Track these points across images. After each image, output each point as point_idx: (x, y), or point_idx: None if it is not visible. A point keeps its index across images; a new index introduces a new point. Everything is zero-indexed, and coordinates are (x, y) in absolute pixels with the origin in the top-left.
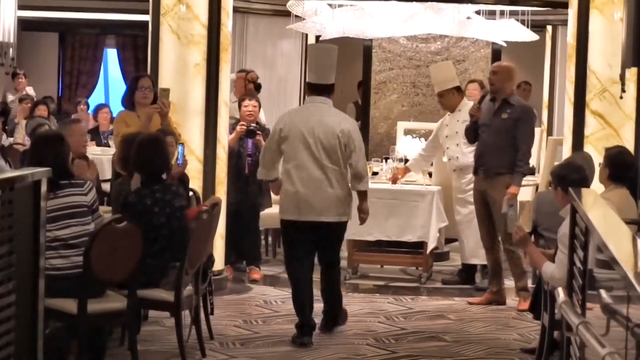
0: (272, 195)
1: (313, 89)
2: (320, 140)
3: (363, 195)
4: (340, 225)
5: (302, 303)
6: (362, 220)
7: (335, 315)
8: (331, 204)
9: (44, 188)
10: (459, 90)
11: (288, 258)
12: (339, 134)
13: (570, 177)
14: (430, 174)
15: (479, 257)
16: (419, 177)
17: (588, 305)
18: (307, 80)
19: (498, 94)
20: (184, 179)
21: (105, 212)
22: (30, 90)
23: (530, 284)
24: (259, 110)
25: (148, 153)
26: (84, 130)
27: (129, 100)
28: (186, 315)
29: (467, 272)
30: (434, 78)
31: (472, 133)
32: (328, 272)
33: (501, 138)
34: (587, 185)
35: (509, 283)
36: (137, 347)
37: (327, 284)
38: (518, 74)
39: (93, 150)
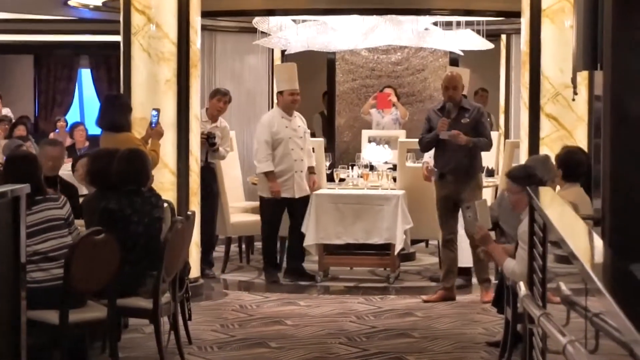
0: None
1: None
2: None
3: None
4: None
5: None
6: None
7: (299, 265)
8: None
9: (23, 204)
10: (464, 97)
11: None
12: None
13: (526, 180)
14: (394, 179)
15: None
16: (383, 181)
17: (548, 297)
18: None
19: (455, 102)
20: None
21: (79, 225)
22: (7, 112)
23: (493, 279)
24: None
25: (130, 165)
26: (55, 154)
27: (125, 122)
28: (165, 322)
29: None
30: None
31: (431, 144)
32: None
33: None
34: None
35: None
36: (119, 354)
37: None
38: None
39: (69, 167)
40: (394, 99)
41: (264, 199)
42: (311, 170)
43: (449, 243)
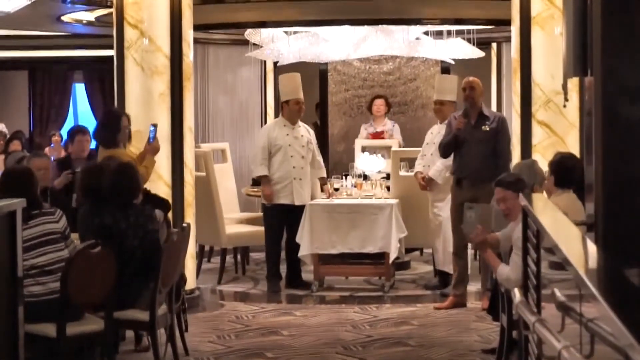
0: None
1: None
2: None
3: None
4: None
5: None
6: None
7: (298, 270)
8: None
9: (19, 218)
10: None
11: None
12: None
13: (517, 185)
14: (388, 188)
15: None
16: (377, 191)
17: (542, 304)
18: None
19: (474, 108)
20: (167, 205)
21: (74, 238)
22: (2, 127)
23: (488, 285)
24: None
25: (122, 179)
26: (43, 165)
27: (113, 139)
28: (162, 334)
29: (442, 277)
30: (438, 86)
31: (451, 147)
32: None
33: (484, 148)
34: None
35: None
36: None
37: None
38: None
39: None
40: (387, 135)
41: (266, 206)
42: (323, 182)
43: (461, 250)
